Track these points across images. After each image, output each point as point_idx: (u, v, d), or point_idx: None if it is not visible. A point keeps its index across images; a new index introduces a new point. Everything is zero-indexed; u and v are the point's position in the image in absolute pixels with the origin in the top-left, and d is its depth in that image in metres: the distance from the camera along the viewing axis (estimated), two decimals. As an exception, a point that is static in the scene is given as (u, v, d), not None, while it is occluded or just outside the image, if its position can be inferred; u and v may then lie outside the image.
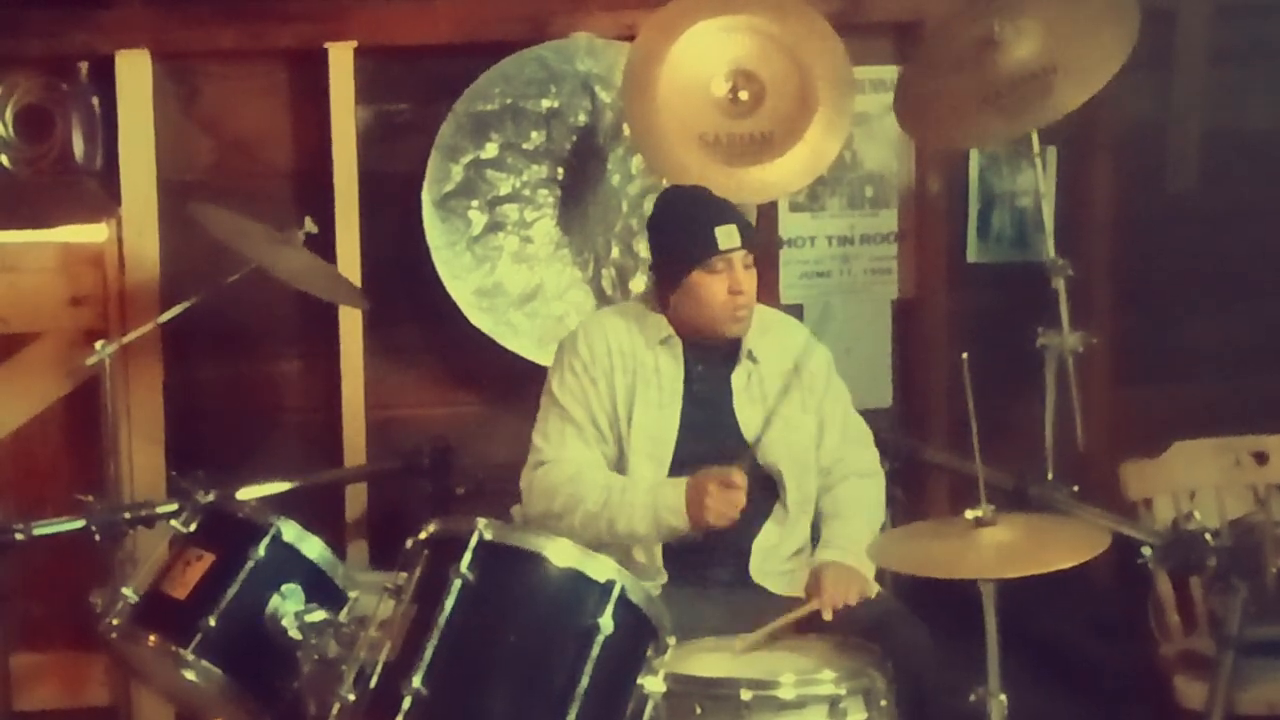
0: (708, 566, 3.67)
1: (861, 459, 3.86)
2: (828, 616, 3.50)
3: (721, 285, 3.66)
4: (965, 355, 3.20)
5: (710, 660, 3.31)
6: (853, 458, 3.83)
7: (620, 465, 3.69)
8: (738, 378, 3.75)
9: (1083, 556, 3.06)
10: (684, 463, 3.65)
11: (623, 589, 2.95)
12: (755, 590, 3.65)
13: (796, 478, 3.73)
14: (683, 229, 3.72)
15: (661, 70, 4.23)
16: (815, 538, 3.77)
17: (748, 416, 3.72)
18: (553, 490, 3.64)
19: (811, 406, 3.78)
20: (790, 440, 3.73)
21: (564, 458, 3.67)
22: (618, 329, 3.76)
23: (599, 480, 3.63)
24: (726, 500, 3.50)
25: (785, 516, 3.73)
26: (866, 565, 3.59)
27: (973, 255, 4.86)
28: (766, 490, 3.71)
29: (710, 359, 3.75)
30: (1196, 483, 4.23)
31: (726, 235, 3.65)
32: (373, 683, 2.93)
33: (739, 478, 3.51)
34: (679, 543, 3.63)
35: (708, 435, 3.71)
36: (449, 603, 2.90)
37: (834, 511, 3.77)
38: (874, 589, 3.62)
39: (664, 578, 3.63)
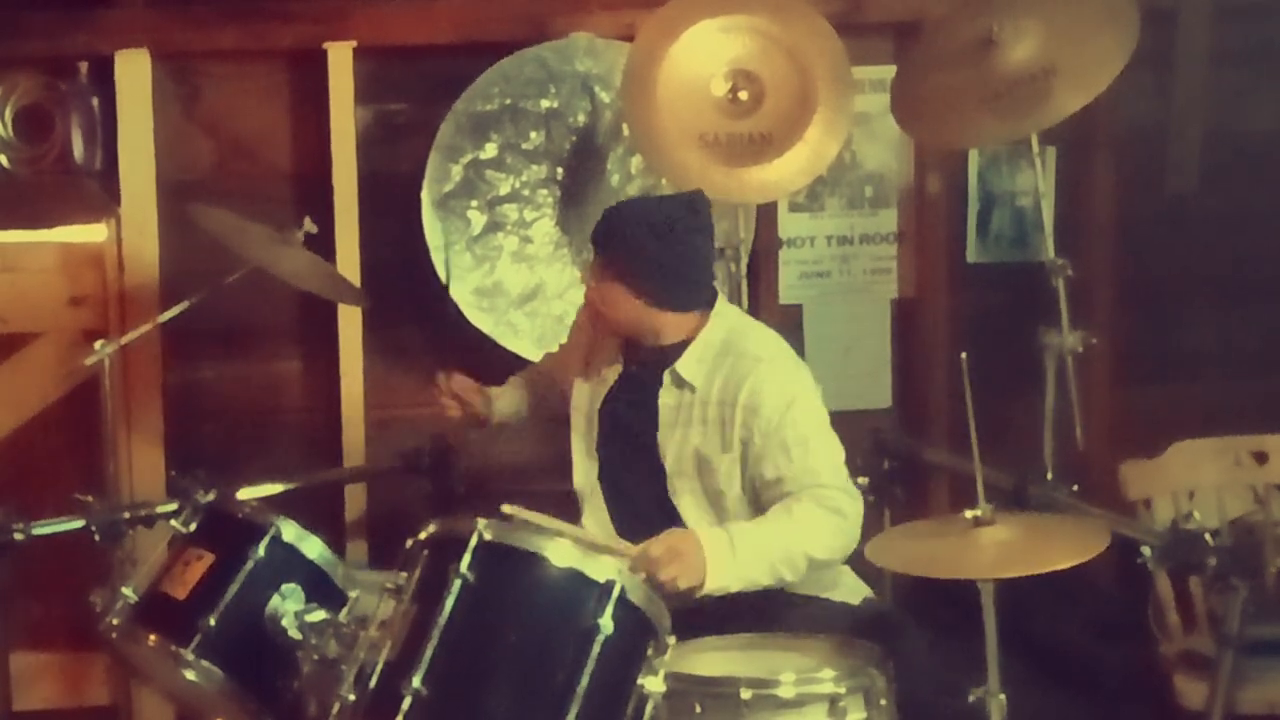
0: None
1: (829, 496, 3.45)
2: (628, 565, 3.16)
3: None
4: (964, 355, 3.20)
5: (710, 659, 3.31)
6: (819, 493, 3.45)
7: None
8: (665, 397, 3.59)
9: (1082, 556, 3.05)
10: (605, 453, 3.65)
11: (623, 589, 2.94)
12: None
13: (705, 521, 3.50)
14: None
15: (661, 70, 4.22)
16: None
17: (668, 442, 3.57)
18: None
19: (742, 450, 3.49)
20: (705, 482, 3.54)
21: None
22: None
23: None
24: None
25: None
26: (731, 567, 3.33)
27: (972, 255, 4.86)
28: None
29: (646, 367, 3.63)
30: (1196, 483, 4.23)
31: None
32: (373, 682, 2.93)
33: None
34: None
35: (629, 442, 3.63)
36: (449, 603, 2.90)
37: (765, 513, 3.45)
38: (701, 587, 3.32)
39: None
